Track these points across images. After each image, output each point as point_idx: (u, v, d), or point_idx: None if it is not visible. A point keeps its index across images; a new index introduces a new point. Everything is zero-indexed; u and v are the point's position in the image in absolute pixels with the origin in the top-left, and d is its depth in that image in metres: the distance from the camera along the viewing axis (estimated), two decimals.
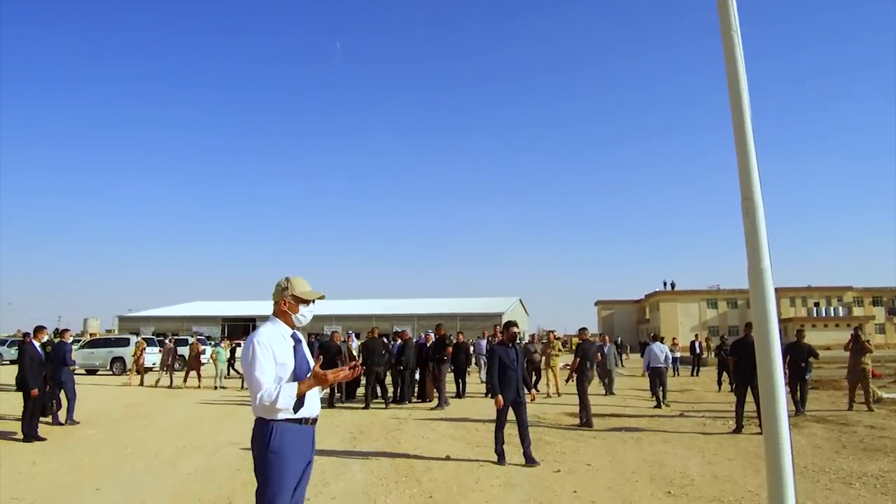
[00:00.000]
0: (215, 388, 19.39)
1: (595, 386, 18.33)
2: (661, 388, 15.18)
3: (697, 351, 26.79)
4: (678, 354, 24.23)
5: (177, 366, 22.56)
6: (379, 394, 14.69)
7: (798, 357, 12.23)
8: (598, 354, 14.97)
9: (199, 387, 19.85)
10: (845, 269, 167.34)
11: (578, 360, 11.67)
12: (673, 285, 77.45)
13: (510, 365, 7.87)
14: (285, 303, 3.53)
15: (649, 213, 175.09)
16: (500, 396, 7.82)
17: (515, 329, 8.18)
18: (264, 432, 3.33)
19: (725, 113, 3.36)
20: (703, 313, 73.78)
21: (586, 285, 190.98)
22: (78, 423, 11.36)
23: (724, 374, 19.03)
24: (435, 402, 14.63)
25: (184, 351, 27.98)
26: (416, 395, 15.88)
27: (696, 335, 32.56)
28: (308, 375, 3.42)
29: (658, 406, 14.87)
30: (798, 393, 12.29)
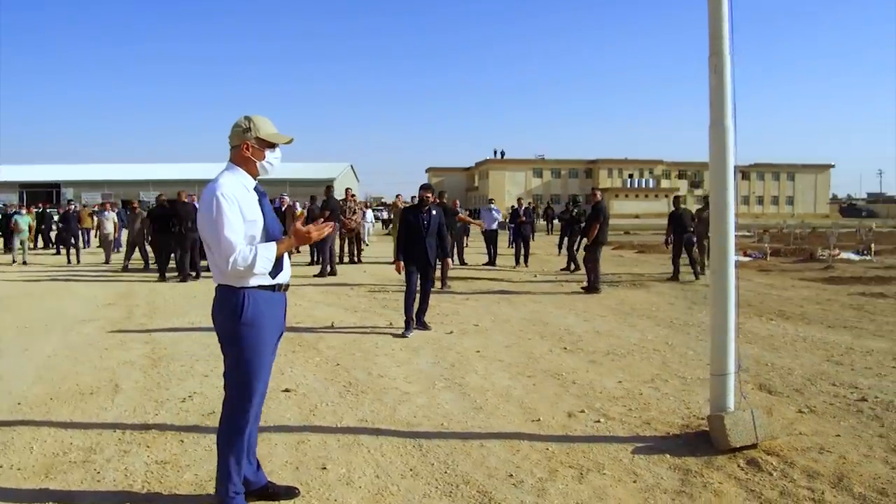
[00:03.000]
0: (12, 262, 16.65)
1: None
2: (491, 247, 16.32)
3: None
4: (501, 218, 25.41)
5: None
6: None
7: (686, 224, 12.86)
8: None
9: None
10: (657, 144, 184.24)
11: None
12: (503, 154, 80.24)
13: (419, 231, 7.44)
14: (248, 147, 2.89)
15: (486, 78, 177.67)
16: (399, 262, 7.51)
17: (427, 194, 7.59)
18: (235, 303, 2.81)
19: None
20: (529, 182, 77.70)
21: (418, 152, 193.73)
22: None
23: (565, 238, 20.20)
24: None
25: None
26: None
27: (530, 202, 34.23)
28: (289, 233, 2.93)
29: (488, 263, 16.13)
30: (688, 259, 12.88)
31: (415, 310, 7.62)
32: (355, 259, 16.74)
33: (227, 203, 2.72)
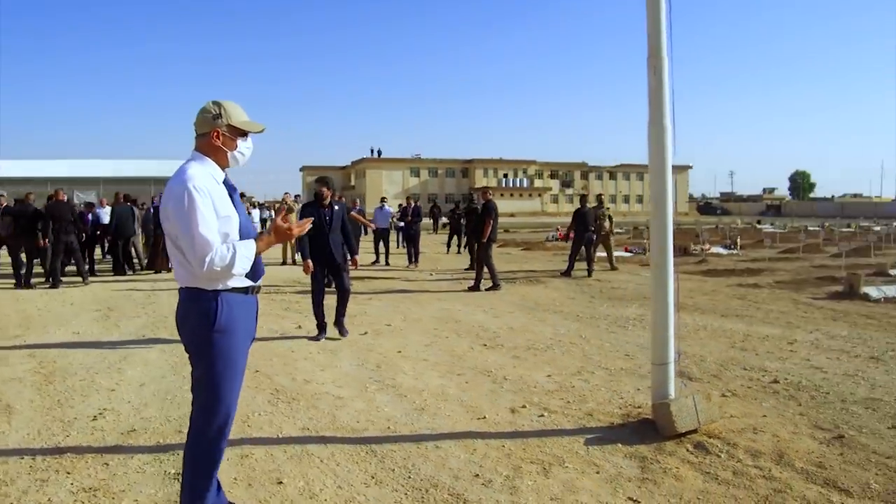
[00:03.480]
0: None
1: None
2: (383, 245, 16.39)
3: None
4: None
5: None
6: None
7: (589, 222, 13.11)
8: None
9: None
10: (530, 144, 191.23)
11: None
12: (380, 153, 79.90)
13: (321, 228, 6.94)
14: (219, 135, 2.62)
15: (360, 76, 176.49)
16: (308, 262, 7.01)
17: (323, 188, 7.06)
18: (207, 307, 2.53)
19: None
20: (407, 181, 77.90)
21: (291, 150, 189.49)
22: None
23: (455, 237, 20.40)
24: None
25: None
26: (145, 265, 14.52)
27: (417, 201, 34.45)
28: (267, 230, 2.69)
29: (376, 262, 16.21)
30: (585, 255, 13.13)
31: (325, 310, 7.27)
32: None
33: (201, 196, 2.44)
